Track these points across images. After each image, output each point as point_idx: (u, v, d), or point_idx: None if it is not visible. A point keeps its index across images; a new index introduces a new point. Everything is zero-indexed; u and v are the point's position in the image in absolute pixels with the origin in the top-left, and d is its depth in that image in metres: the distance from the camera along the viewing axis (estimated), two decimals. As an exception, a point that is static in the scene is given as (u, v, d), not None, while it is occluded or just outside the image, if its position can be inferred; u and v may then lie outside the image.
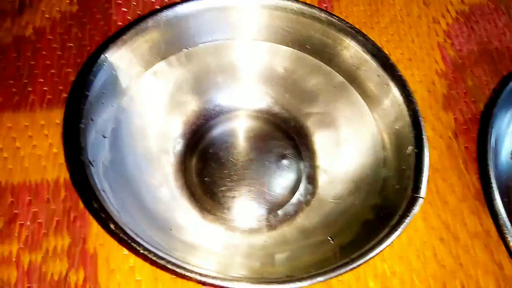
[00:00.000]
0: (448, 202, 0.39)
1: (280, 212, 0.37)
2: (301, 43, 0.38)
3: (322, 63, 0.38)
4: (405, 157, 0.33)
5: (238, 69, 0.39)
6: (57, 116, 0.40)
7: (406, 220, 0.29)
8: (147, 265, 0.34)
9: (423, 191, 0.30)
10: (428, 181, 0.38)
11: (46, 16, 0.45)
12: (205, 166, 0.38)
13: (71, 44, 0.44)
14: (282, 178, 0.38)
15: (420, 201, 0.30)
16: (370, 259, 0.29)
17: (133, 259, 0.34)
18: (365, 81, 0.36)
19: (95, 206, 0.27)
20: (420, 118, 0.33)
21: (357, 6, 0.48)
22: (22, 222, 0.36)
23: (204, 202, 0.37)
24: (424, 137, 0.32)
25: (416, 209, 0.29)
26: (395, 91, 0.34)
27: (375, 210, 0.33)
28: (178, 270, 0.27)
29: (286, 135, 0.40)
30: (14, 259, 0.34)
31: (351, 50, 0.36)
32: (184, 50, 0.38)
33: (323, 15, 0.36)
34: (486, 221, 0.38)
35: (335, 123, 0.38)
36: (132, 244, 0.27)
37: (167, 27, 0.36)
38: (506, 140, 0.39)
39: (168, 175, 0.37)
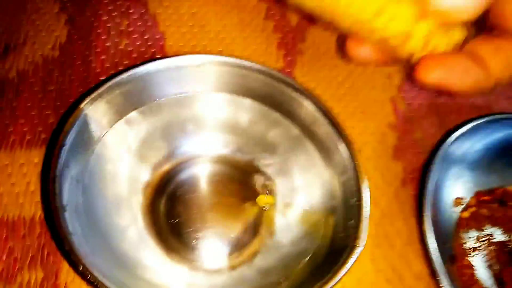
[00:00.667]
0: (394, 245, 0.42)
1: (240, 253, 0.40)
2: (262, 97, 0.42)
3: (281, 117, 0.42)
4: (350, 207, 0.36)
5: (204, 119, 0.43)
6: (36, 156, 0.43)
7: (345, 267, 0.32)
8: (114, 301, 0.37)
9: (361, 241, 0.34)
10: (377, 225, 0.42)
11: (29, 60, 0.48)
12: (172, 208, 0.41)
13: (52, 88, 0.46)
14: (244, 221, 0.41)
15: (359, 249, 0.33)
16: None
17: (101, 295, 0.37)
18: (318, 136, 0.40)
19: (66, 249, 0.30)
20: (361, 175, 0.36)
21: (319, 61, 0.52)
22: (-1, 256, 0.38)
23: (170, 242, 0.40)
24: (364, 191, 0.36)
25: (355, 257, 0.33)
26: (341, 148, 0.38)
27: (325, 255, 0.36)
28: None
29: (248, 181, 0.43)
30: (-12, 293, 0.36)
31: (305, 108, 0.40)
32: (156, 101, 0.41)
33: (280, 76, 0.40)
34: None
35: (291, 171, 0.42)
36: (98, 286, 0.30)
37: (140, 81, 0.40)
38: (446, 190, 0.43)
39: (136, 216, 0.40)
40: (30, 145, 0.43)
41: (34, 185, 0.41)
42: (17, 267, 0.38)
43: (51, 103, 0.46)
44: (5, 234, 0.39)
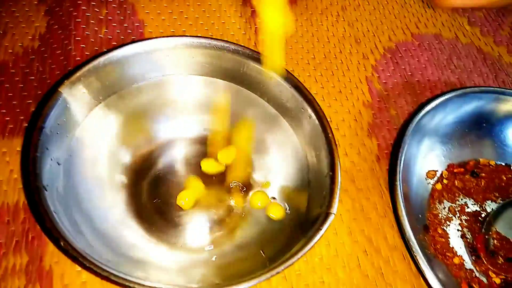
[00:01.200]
0: (370, 218, 0.44)
1: (221, 229, 0.41)
2: (237, 78, 0.43)
3: (257, 97, 0.43)
4: (323, 179, 0.37)
5: (180, 101, 0.44)
6: (18, 144, 0.43)
7: (320, 233, 0.34)
8: (97, 280, 0.38)
9: (334, 208, 0.35)
10: (353, 199, 0.43)
11: (10, 51, 0.48)
12: (154, 188, 0.42)
13: (33, 77, 0.47)
14: (223, 199, 0.43)
15: (332, 216, 0.35)
16: (288, 266, 0.33)
17: (85, 275, 0.38)
18: (292, 113, 0.41)
19: (47, 226, 0.31)
20: (333, 146, 0.37)
21: (296, 43, 0.53)
22: (-16, 242, 0.39)
23: (153, 221, 0.41)
24: (337, 162, 0.37)
25: (328, 223, 0.34)
26: (315, 122, 0.39)
27: (300, 226, 0.38)
28: (121, 282, 0.31)
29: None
30: (-26, 277, 0.37)
31: (280, 86, 0.41)
32: (134, 85, 0.42)
33: (255, 54, 0.41)
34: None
35: (268, 149, 0.43)
36: (79, 259, 0.31)
37: (118, 65, 0.41)
38: (418, 163, 0.45)
39: (118, 198, 0.40)
40: (12, 133, 0.44)
41: (17, 173, 0.42)
42: (2, 252, 0.38)
43: (32, 92, 0.46)
44: (-10, 221, 0.40)
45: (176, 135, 0.44)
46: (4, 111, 0.45)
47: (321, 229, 0.34)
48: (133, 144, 0.43)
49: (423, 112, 0.43)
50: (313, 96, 0.40)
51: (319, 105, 0.39)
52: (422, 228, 0.42)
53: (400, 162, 0.40)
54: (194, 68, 0.43)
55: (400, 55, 0.54)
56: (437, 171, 0.46)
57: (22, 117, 0.45)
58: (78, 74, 0.38)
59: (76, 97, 0.39)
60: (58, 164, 0.37)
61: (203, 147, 0.44)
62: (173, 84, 0.43)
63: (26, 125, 0.44)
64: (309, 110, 0.40)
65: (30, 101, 0.46)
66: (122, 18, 0.52)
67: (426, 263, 0.37)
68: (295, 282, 0.40)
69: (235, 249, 0.40)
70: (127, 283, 0.31)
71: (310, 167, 0.40)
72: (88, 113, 0.40)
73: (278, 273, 0.32)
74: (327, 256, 0.41)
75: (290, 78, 0.41)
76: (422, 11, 0.59)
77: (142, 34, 0.51)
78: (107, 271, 0.31)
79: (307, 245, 0.33)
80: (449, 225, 0.44)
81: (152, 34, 0.52)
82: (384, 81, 0.52)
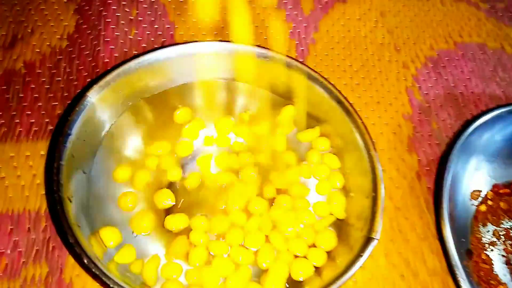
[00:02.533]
0: (409, 240, 0.41)
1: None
2: (275, 86, 0.41)
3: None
4: (364, 200, 0.35)
5: (212, 107, 0.42)
6: (42, 148, 0.42)
7: (361, 259, 0.31)
8: (120, 295, 0.36)
9: (377, 233, 0.32)
10: (390, 219, 0.41)
11: (37, 50, 0.47)
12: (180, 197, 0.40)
13: (59, 79, 0.46)
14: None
15: (375, 242, 0.32)
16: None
17: (107, 289, 0.36)
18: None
19: (70, 241, 0.29)
20: (377, 165, 0.35)
21: (332, 50, 0.51)
22: (3, 250, 0.37)
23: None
24: (380, 183, 0.34)
25: (370, 249, 0.32)
26: (357, 137, 0.37)
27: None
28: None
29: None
30: (-8, 287, 0.36)
31: (321, 97, 0.39)
32: (163, 90, 0.40)
33: (296, 64, 0.39)
34: (444, 259, 0.40)
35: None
36: (103, 278, 0.29)
37: (148, 69, 0.39)
38: (464, 182, 0.42)
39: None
40: (36, 137, 0.43)
41: (40, 178, 0.41)
42: (21, 261, 0.37)
43: (58, 94, 0.45)
44: (9, 228, 0.38)
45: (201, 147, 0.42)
46: (29, 112, 0.44)
47: (362, 255, 0.31)
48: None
49: (471, 128, 0.40)
50: (353, 110, 0.37)
51: (361, 119, 0.37)
52: (465, 253, 0.39)
53: (447, 181, 0.38)
54: (228, 74, 0.41)
55: (442, 65, 0.51)
56: (481, 191, 0.43)
57: (47, 120, 0.43)
58: (107, 78, 0.37)
59: (104, 102, 0.37)
60: (84, 173, 0.35)
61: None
62: (204, 88, 0.41)
63: (52, 128, 0.43)
64: (350, 123, 0.37)
65: (56, 103, 0.44)
66: (152, 19, 0.51)
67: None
68: (327, 306, 0.38)
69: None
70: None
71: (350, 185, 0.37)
72: (117, 119, 0.39)
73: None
74: (362, 280, 0.39)
75: (331, 90, 0.39)
76: (466, 20, 0.55)
77: (173, 37, 0.50)
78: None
79: (346, 272, 0.31)
80: (492, 250, 0.41)
81: (183, 36, 0.50)
82: (425, 92, 0.49)
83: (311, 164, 0.41)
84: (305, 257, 0.36)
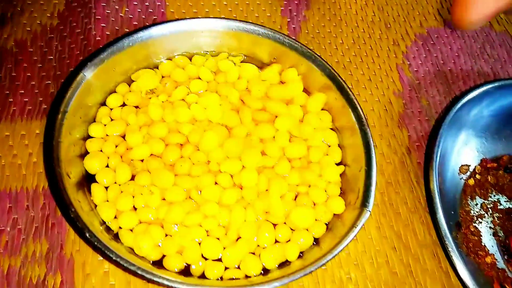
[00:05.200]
0: (400, 213, 0.42)
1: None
2: (267, 63, 0.41)
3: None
4: (357, 174, 0.36)
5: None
6: (37, 126, 0.42)
7: (355, 230, 0.32)
8: (120, 270, 0.37)
9: (370, 205, 0.33)
10: (382, 193, 0.42)
11: (27, 29, 0.47)
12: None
13: (51, 57, 0.45)
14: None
15: (367, 214, 0.33)
16: (323, 264, 0.32)
17: (107, 264, 0.37)
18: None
19: (71, 215, 0.30)
20: (370, 140, 0.36)
21: (323, 27, 0.51)
22: (2, 228, 0.37)
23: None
24: (373, 156, 0.35)
25: (363, 221, 0.33)
26: (350, 113, 0.37)
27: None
28: (147, 276, 0.30)
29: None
30: (-7, 264, 0.36)
31: (313, 73, 0.39)
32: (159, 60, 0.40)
33: (288, 40, 0.39)
34: (434, 231, 0.41)
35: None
36: (105, 252, 0.29)
37: (142, 46, 0.39)
38: (453, 157, 0.43)
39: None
40: (31, 115, 0.42)
41: (36, 156, 0.41)
42: (21, 238, 0.37)
43: (51, 72, 0.45)
44: (8, 206, 0.38)
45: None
46: (23, 91, 0.43)
47: (356, 227, 0.32)
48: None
49: (460, 103, 0.41)
50: (347, 86, 0.38)
51: (353, 96, 0.37)
52: (455, 225, 0.41)
53: (436, 156, 0.39)
54: (220, 49, 0.41)
55: (432, 42, 0.52)
56: (469, 165, 0.44)
57: (41, 99, 0.43)
58: (101, 56, 0.37)
59: (99, 79, 0.37)
60: (81, 148, 0.36)
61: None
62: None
63: (46, 107, 0.43)
64: (343, 100, 0.38)
65: (49, 82, 0.44)
66: (143, -4, 0.50)
67: (460, 261, 0.35)
68: (321, 278, 0.39)
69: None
70: (153, 278, 0.30)
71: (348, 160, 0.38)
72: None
73: (311, 272, 0.31)
74: (355, 252, 0.40)
75: (323, 64, 0.39)
76: (455, -4, 0.56)
77: (164, 14, 0.50)
78: (134, 265, 0.30)
79: (341, 242, 0.32)
80: (481, 222, 0.42)
81: (174, 14, 0.50)
82: (415, 69, 0.50)
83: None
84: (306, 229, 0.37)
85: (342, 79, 0.39)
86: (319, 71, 0.40)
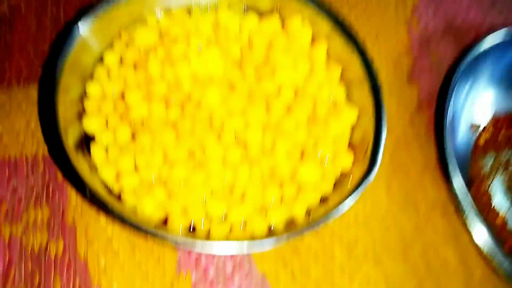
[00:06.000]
0: (410, 173, 0.41)
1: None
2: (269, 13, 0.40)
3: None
4: (367, 129, 0.35)
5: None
6: (34, 92, 0.41)
7: (362, 187, 0.31)
8: (124, 235, 0.36)
9: (377, 162, 0.32)
10: (391, 152, 0.40)
11: (21, -7, 0.45)
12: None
13: (47, 20, 0.44)
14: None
15: (376, 168, 0.32)
16: (328, 221, 0.31)
17: (111, 230, 0.36)
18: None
19: (73, 176, 0.29)
20: (379, 89, 0.34)
21: (328, -17, 0.49)
22: (2, 196, 0.37)
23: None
24: (383, 110, 0.34)
25: (371, 177, 0.31)
26: (358, 63, 0.36)
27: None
28: (151, 231, 0.29)
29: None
30: (-6, 232, 0.36)
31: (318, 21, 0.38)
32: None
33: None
34: (445, 191, 0.40)
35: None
36: (109, 209, 0.28)
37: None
38: (464, 112, 0.41)
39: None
40: (27, 81, 0.41)
41: (35, 123, 0.40)
42: (22, 206, 0.37)
43: (47, 36, 0.43)
44: (7, 174, 0.38)
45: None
46: (18, 56, 0.42)
47: (364, 181, 0.31)
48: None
49: (469, 58, 0.39)
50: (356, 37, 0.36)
51: (361, 45, 0.36)
52: (466, 184, 0.39)
53: (447, 112, 0.37)
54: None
55: (441, -5, 0.50)
56: (482, 122, 0.43)
57: (37, 63, 0.42)
58: (96, 9, 0.35)
59: (94, 34, 0.36)
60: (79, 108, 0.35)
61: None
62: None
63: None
64: (351, 48, 0.36)
65: (46, 46, 0.43)
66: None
67: (475, 219, 0.34)
68: (328, 240, 0.38)
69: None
70: (158, 235, 0.29)
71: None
72: (109, 50, 0.37)
73: (317, 227, 0.30)
74: (363, 213, 0.39)
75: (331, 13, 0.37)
76: None
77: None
78: (137, 224, 0.29)
79: (349, 198, 0.31)
80: (492, 180, 0.41)
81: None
82: (424, 24, 0.48)
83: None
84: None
85: (349, 26, 0.37)
86: (325, 18, 0.37)
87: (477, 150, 0.42)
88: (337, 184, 0.35)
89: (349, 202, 0.31)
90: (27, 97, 0.41)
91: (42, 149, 0.39)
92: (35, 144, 0.39)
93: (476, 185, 0.41)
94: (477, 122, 0.43)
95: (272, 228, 0.33)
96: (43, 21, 0.44)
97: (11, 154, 0.38)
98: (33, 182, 0.38)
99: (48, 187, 0.37)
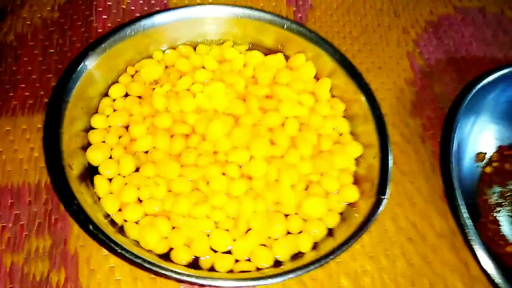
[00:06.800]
0: (416, 203, 0.40)
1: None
2: (273, 50, 0.40)
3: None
4: (371, 161, 0.34)
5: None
6: (38, 121, 0.41)
7: (371, 219, 0.31)
8: (126, 265, 0.35)
9: (386, 192, 0.32)
10: (396, 183, 0.40)
11: (28, 22, 0.46)
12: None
13: (52, 50, 0.45)
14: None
15: (385, 201, 0.32)
16: (337, 255, 0.30)
17: (113, 259, 0.35)
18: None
19: (74, 208, 0.29)
20: (384, 125, 0.34)
21: (331, 16, 0.50)
22: (4, 224, 0.36)
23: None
24: (389, 145, 0.34)
25: (381, 208, 0.31)
26: (362, 98, 0.36)
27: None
28: (154, 268, 0.28)
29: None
30: (-5, 261, 0.35)
31: (322, 59, 0.38)
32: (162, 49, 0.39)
33: (297, 26, 0.38)
34: (452, 221, 0.40)
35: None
36: (111, 244, 0.28)
37: (145, 35, 0.38)
38: (470, 144, 0.41)
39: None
40: (32, 110, 0.41)
41: (38, 151, 0.40)
42: (24, 234, 0.36)
43: (52, 66, 0.44)
44: (10, 201, 0.37)
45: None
46: (23, 85, 0.42)
47: (373, 215, 0.31)
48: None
49: (475, 89, 0.40)
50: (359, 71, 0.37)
51: (365, 82, 0.36)
52: (473, 215, 0.39)
53: (453, 143, 0.37)
54: (225, 36, 0.40)
55: (443, 29, 0.51)
56: (486, 153, 0.43)
57: (42, 93, 0.42)
58: (103, 45, 0.36)
59: (100, 68, 0.36)
60: (82, 139, 0.34)
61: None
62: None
63: (47, 100, 0.42)
64: (355, 86, 0.36)
65: (50, 75, 0.43)
66: (146, -12, 0.49)
67: (483, 251, 0.34)
68: (335, 271, 0.37)
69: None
70: (161, 271, 0.29)
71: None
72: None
73: (325, 263, 0.30)
74: (370, 243, 0.38)
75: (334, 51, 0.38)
76: (464, -16, 0.55)
77: (167, 5, 0.48)
78: (140, 258, 0.28)
79: (357, 232, 0.30)
80: (499, 211, 0.41)
81: (177, 5, 0.48)
82: (426, 57, 0.48)
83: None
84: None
85: (352, 63, 0.38)
86: (328, 56, 0.38)
87: (483, 180, 0.42)
88: (343, 216, 0.35)
89: (358, 235, 0.31)
90: (31, 126, 0.41)
91: (45, 177, 0.38)
92: (38, 172, 0.39)
93: (484, 216, 0.40)
94: (482, 151, 0.43)
95: (278, 261, 0.33)
96: (49, 51, 0.44)
97: (14, 181, 0.38)
98: (35, 210, 0.37)
99: (50, 215, 0.37)
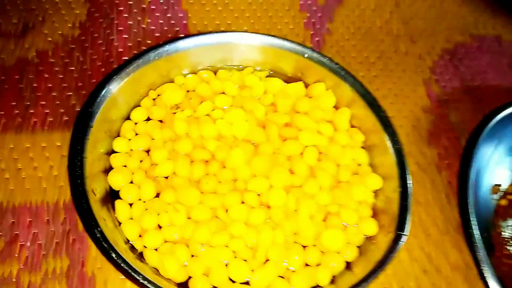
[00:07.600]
0: (431, 235, 0.41)
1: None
2: (292, 77, 0.41)
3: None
4: (391, 195, 0.35)
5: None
6: (57, 138, 0.41)
7: (391, 256, 0.31)
8: (143, 289, 0.36)
9: (407, 229, 0.32)
10: (412, 214, 0.40)
11: (49, 39, 0.46)
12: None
13: (73, 68, 0.45)
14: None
15: (404, 238, 0.32)
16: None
17: (130, 284, 0.36)
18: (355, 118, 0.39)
19: (97, 235, 0.29)
20: (404, 159, 0.35)
21: (348, 41, 0.50)
22: (23, 243, 0.37)
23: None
24: (408, 176, 0.34)
25: (400, 245, 0.31)
26: (381, 130, 0.36)
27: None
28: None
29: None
30: (14, 280, 0.35)
31: (341, 88, 0.38)
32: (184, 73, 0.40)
33: (316, 55, 0.38)
34: (467, 254, 0.40)
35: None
36: (131, 273, 0.28)
37: (168, 60, 0.38)
38: (486, 176, 0.41)
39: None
40: (52, 127, 0.42)
41: (57, 170, 0.40)
42: (42, 254, 0.36)
43: (72, 84, 0.44)
44: (28, 220, 0.38)
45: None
46: (44, 103, 0.43)
47: (392, 252, 0.31)
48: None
49: (495, 120, 0.40)
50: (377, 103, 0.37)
51: (385, 114, 0.36)
52: (488, 248, 0.39)
53: (471, 175, 0.37)
54: (245, 63, 0.41)
55: (459, 57, 0.51)
56: (501, 185, 0.43)
57: (62, 110, 0.43)
58: (127, 69, 0.36)
59: (124, 93, 0.36)
60: (105, 163, 0.35)
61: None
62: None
63: (67, 118, 0.42)
64: (373, 116, 0.37)
65: (71, 93, 0.44)
66: (165, 8, 0.50)
67: (497, 286, 0.34)
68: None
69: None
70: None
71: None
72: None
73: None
74: (384, 275, 0.38)
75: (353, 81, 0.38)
76: (481, 11, 0.55)
77: (186, 26, 0.49)
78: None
79: (377, 271, 0.30)
80: (514, 245, 0.41)
81: (196, 26, 0.49)
82: (443, 84, 0.49)
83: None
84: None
85: (372, 95, 0.38)
86: (348, 86, 0.39)
87: (499, 212, 0.42)
88: (361, 249, 0.35)
89: (378, 271, 0.31)
90: (51, 144, 0.41)
91: (64, 197, 0.39)
92: (57, 191, 0.39)
93: (498, 249, 0.40)
94: (498, 183, 0.43)
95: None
96: (69, 68, 0.45)
97: (33, 200, 0.38)
98: (53, 230, 0.37)
99: (68, 236, 0.37)
